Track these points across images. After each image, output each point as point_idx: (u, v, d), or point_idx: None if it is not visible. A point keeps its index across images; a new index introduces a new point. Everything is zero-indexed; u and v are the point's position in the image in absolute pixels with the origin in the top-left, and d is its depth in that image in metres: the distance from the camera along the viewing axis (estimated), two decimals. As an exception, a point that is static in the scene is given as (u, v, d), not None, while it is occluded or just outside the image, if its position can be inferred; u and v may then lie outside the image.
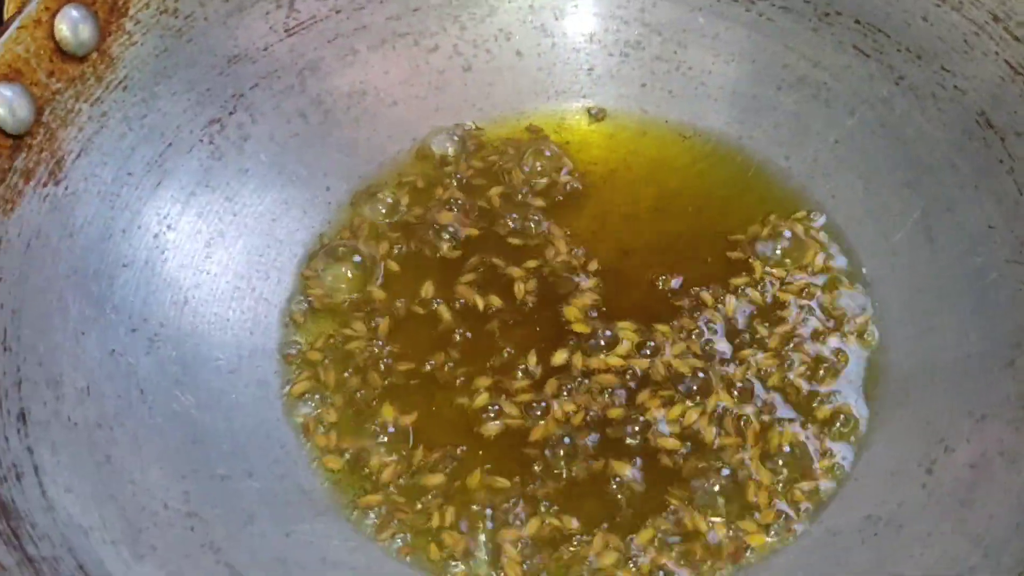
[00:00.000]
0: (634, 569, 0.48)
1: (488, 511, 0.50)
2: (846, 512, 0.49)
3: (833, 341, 0.54)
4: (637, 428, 0.51)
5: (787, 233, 0.58)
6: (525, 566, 0.48)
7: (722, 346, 0.54)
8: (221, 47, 0.56)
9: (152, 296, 0.52)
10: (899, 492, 0.48)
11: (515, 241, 0.59)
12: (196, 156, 0.56)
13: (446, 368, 0.54)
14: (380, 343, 0.55)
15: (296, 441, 0.53)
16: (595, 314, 0.55)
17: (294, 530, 0.49)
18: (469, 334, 0.55)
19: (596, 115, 0.64)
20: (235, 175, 0.57)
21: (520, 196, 0.60)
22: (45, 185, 0.48)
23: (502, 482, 0.50)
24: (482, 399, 0.53)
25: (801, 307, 0.55)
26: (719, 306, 0.55)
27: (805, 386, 0.53)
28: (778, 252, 0.57)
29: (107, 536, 0.43)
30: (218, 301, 0.55)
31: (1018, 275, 0.50)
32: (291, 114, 0.59)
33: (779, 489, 0.50)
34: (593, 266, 0.57)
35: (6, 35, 0.47)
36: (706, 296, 0.56)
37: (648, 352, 0.53)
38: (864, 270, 0.57)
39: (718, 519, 0.49)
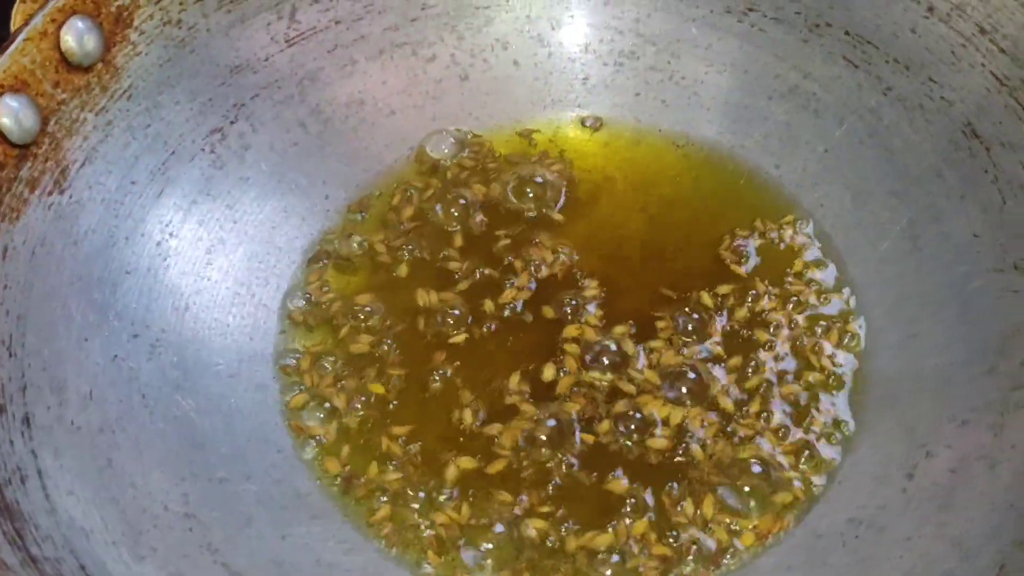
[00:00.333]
0: (621, 568, 0.49)
1: (485, 520, 0.50)
2: (829, 515, 0.49)
3: (821, 347, 0.55)
4: (632, 428, 0.52)
5: (775, 239, 0.58)
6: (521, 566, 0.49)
7: (713, 352, 0.55)
8: (223, 57, 0.56)
9: (154, 302, 0.53)
10: (881, 495, 0.49)
11: (510, 249, 0.59)
12: (198, 165, 0.56)
13: (443, 377, 0.54)
14: (377, 350, 0.56)
15: (293, 445, 0.53)
16: (591, 321, 0.56)
17: (290, 533, 0.49)
18: (466, 341, 0.56)
19: (592, 125, 0.64)
20: (236, 183, 0.57)
21: (516, 204, 0.61)
22: (50, 194, 0.49)
23: (504, 496, 0.51)
24: (469, 416, 0.53)
25: (789, 314, 0.56)
26: (710, 312, 0.56)
27: (795, 390, 0.53)
28: (766, 259, 0.58)
29: (108, 538, 0.44)
30: (219, 307, 0.55)
31: (1001, 283, 0.51)
32: (291, 123, 0.59)
33: (768, 491, 0.50)
34: (588, 274, 0.58)
35: (12, 47, 0.47)
36: (699, 302, 0.56)
37: (642, 357, 0.54)
38: (851, 277, 0.57)
39: (706, 521, 0.50)
